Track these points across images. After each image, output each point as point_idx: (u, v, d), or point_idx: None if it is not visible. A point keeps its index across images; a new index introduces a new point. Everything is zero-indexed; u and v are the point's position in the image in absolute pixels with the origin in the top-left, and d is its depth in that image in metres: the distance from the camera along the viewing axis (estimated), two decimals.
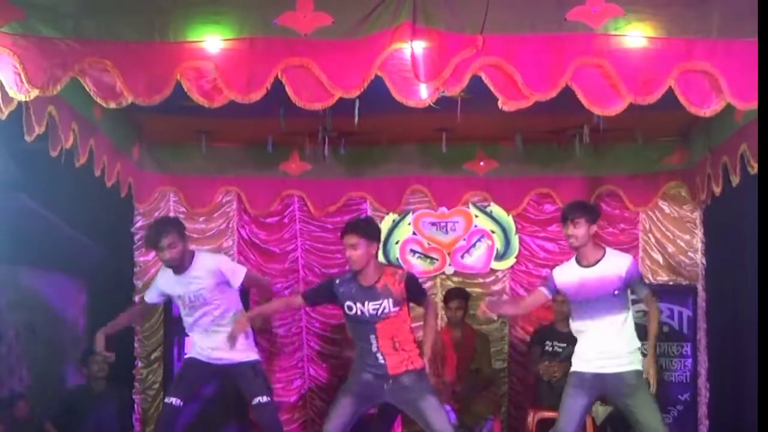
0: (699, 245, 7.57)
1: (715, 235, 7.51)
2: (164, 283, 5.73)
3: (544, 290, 5.55)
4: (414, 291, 5.36)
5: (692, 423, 7.29)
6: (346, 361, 7.34)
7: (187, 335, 5.96)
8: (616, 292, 5.28)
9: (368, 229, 5.29)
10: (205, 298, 5.60)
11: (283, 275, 7.81)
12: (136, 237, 7.61)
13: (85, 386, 6.86)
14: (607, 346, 5.30)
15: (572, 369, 5.47)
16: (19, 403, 6.62)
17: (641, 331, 5.27)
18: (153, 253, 7.55)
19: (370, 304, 5.22)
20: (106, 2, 4.95)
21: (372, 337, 5.26)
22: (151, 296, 5.89)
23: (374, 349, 5.26)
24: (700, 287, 7.54)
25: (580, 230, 5.27)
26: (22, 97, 4.89)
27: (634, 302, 7.38)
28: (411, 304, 5.40)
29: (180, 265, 5.59)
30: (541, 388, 7.04)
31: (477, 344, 7.22)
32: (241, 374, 5.71)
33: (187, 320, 5.73)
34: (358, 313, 5.25)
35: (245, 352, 5.71)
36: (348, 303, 5.27)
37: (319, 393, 7.81)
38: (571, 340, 7.01)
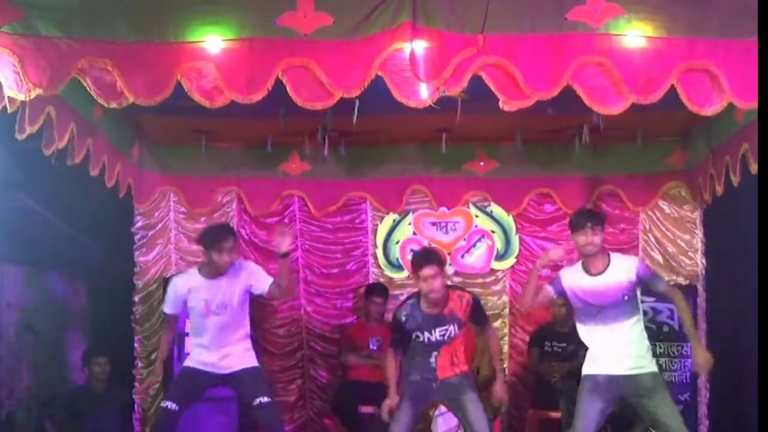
0: (699, 245, 7.55)
1: (715, 235, 7.50)
2: (187, 288, 5.63)
3: (550, 289, 5.44)
4: (477, 314, 5.57)
5: (692, 423, 7.28)
6: (344, 365, 7.35)
7: (187, 334, 5.92)
8: (626, 297, 5.20)
9: (440, 258, 5.43)
10: (231, 305, 5.58)
11: None
12: (136, 237, 7.61)
13: (86, 386, 6.84)
14: (618, 349, 5.20)
15: (584, 372, 5.33)
16: None
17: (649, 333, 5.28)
18: (153, 253, 7.60)
19: (437, 330, 5.42)
20: (106, 2, 4.93)
21: (434, 355, 5.46)
22: (171, 307, 5.77)
23: (432, 365, 5.47)
24: (700, 287, 7.53)
25: (598, 237, 5.20)
26: (22, 97, 4.88)
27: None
28: None
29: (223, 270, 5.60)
30: (541, 388, 7.04)
31: (478, 344, 7.20)
32: (242, 381, 5.67)
33: (200, 329, 5.65)
34: (426, 341, 5.44)
35: (246, 360, 5.69)
36: (416, 333, 5.44)
37: (319, 393, 7.80)
38: (571, 340, 7.02)
